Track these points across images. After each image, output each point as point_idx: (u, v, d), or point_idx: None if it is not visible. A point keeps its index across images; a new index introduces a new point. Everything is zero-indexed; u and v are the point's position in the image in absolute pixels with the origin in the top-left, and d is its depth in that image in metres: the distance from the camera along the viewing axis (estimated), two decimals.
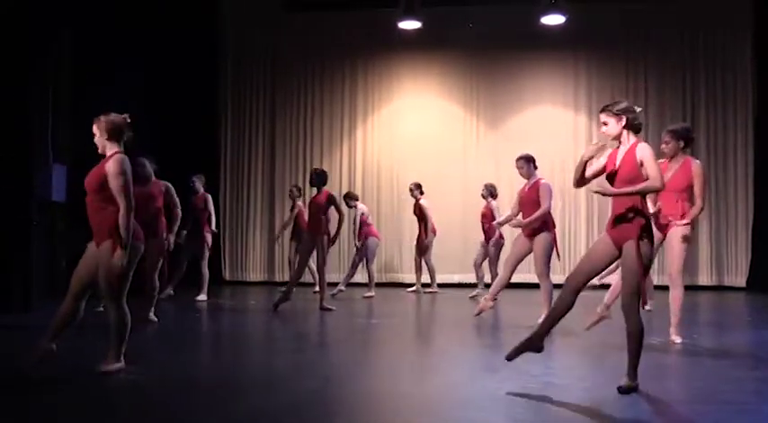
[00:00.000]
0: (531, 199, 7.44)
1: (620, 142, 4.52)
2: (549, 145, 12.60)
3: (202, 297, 9.83)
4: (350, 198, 11.11)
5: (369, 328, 7.85)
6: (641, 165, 4.38)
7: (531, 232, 7.40)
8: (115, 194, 4.75)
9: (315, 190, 9.05)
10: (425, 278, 11.60)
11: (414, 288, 11.69)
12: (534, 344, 4.61)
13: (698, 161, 6.29)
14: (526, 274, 10.30)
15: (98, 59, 10.49)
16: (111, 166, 4.79)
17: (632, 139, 4.48)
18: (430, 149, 13.04)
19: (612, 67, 12.96)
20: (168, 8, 12.02)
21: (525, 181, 7.64)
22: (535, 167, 7.64)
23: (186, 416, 4.04)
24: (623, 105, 4.53)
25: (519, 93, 13.08)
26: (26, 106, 8.64)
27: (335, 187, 12.93)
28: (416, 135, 13.18)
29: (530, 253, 7.50)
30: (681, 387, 4.52)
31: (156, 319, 7.51)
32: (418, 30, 12.15)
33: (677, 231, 6.11)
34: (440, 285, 11.67)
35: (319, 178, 9.00)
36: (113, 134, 4.91)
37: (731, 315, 9.27)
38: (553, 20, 11.78)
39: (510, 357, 4.64)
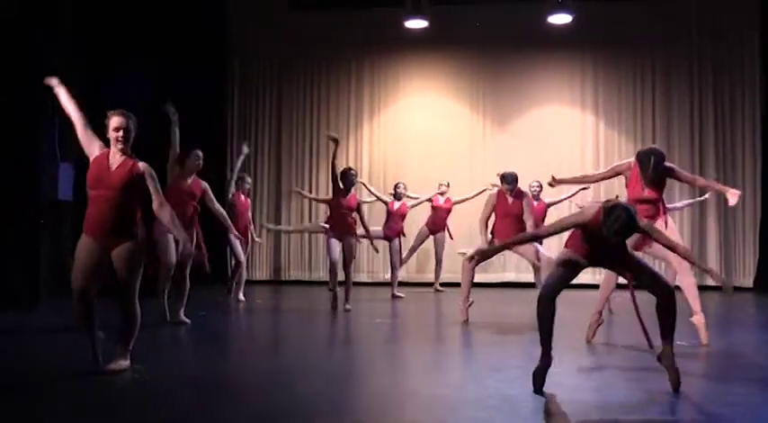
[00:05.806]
0: (516, 212, 7.83)
1: None
2: (555, 144, 12.62)
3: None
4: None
5: (373, 328, 7.83)
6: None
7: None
8: (153, 194, 4.78)
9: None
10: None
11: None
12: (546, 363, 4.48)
13: None
14: (527, 273, 10.21)
15: (105, 57, 10.51)
16: (145, 167, 4.81)
17: None
18: (436, 149, 13.01)
19: (619, 67, 12.92)
20: (175, 6, 12.03)
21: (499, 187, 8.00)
22: None
23: (190, 415, 4.04)
24: None
25: (526, 92, 13.04)
26: (33, 105, 8.66)
27: None
28: (423, 134, 13.15)
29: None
30: (688, 387, 4.50)
31: (187, 320, 7.33)
32: (425, 29, 12.11)
33: None
34: (446, 284, 11.63)
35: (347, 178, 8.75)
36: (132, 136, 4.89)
37: (738, 315, 9.24)
38: (560, 19, 11.76)
39: (537, 389, 4.42)
